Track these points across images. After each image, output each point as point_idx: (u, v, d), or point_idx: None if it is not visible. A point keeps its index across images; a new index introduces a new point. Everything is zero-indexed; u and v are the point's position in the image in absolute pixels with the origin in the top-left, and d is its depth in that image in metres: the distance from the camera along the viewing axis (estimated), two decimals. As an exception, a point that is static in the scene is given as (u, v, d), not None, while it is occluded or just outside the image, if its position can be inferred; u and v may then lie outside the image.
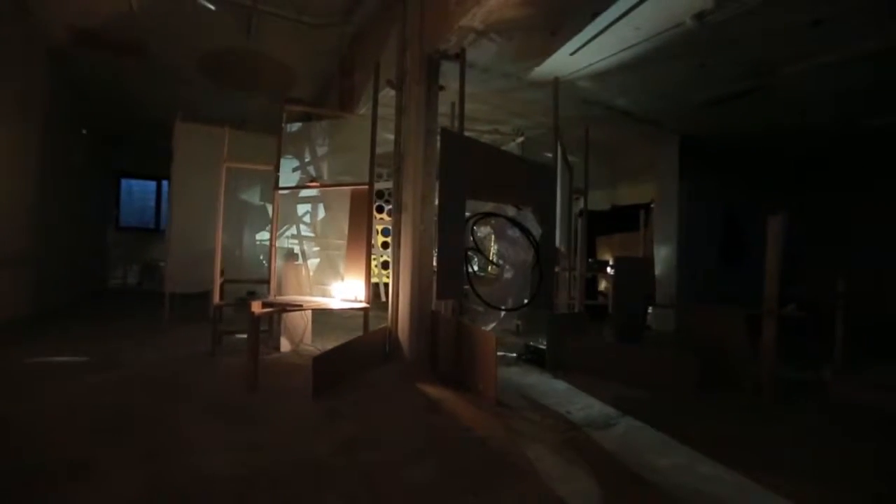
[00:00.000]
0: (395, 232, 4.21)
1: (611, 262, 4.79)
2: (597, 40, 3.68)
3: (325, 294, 4.62)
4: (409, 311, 3.94)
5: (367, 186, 3.90)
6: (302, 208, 5.55)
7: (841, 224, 7.44)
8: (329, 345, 4.15)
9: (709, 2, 3.10)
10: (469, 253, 3.78)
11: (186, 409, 2.82)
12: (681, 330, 4.16)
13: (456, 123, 4.40)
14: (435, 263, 3.60)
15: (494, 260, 4.37)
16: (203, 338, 4.57)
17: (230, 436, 2.45)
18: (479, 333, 3.42)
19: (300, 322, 4.54)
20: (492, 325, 3.96)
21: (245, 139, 5.48)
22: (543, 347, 4.16)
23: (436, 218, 4.03)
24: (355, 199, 4.13)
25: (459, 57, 3.93)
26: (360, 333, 3.95)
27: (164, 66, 6.14)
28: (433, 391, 3.35)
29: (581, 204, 5.35)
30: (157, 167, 8.24)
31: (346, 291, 3.97)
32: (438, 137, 4.21)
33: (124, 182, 10.38)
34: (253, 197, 6.12)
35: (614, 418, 2.97)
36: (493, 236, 4.00)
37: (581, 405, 3.22)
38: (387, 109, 4.44)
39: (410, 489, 1.98)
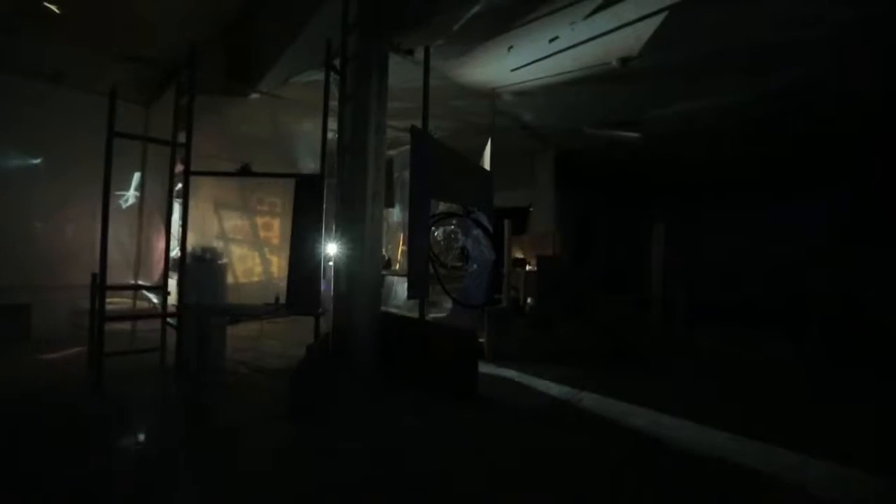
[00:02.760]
0: (340, 229, 3.92)
1: (531, 261, 5.41)
2: (540, 62, 4.13)
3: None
4: (361, 313, 3.75)
5: (317, 176, 3.55)
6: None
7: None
8: (247, 358, 3.67)
9: (635, 51, 3.83)
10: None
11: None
12: (582, 314, 4.99)
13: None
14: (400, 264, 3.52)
15: (447, 260, 4.47)
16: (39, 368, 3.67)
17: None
18: (453, 333, 3.51)
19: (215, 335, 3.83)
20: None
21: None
22: (480, 340, 4.45)
23: (388, 215, 3.93)
24: (301, 189, 3.70)
25: (412, 54, 3.90)
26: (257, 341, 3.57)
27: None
28: (414, 396, 3.30)
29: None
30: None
31: (294, 295, 3.54)
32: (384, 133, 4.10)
33: None
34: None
35: (575, 394, 3.46)
36: (460, 235, 4.09)
37: (542, 388, 3.63)
38: (306, 93, 4.02)
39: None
